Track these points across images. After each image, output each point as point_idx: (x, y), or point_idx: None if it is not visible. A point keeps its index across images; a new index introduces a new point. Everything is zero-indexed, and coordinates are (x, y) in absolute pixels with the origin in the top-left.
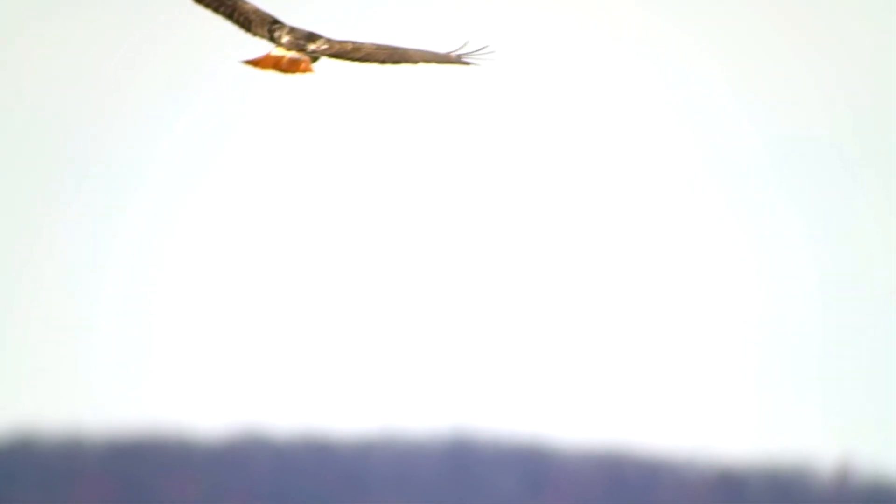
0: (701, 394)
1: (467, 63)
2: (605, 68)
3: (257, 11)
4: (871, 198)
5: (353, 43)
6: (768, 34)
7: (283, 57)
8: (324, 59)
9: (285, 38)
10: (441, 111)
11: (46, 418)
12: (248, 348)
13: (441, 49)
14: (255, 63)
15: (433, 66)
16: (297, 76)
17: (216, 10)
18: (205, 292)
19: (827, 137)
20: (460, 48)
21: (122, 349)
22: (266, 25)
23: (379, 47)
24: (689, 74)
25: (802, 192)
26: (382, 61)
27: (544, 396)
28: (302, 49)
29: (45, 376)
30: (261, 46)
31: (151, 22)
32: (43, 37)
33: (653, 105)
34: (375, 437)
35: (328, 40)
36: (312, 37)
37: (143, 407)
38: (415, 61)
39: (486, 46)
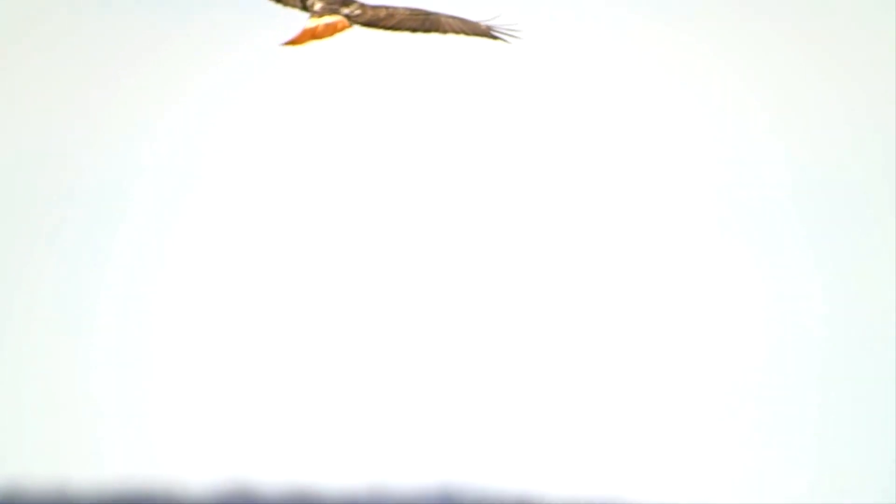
0: (694, 453)
1: (496, 37)
2: (632, 71)
3: None
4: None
5: (386, 8)
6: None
7: (318, 25)
8: (356, 28)
9: (318, 5)
10: (454, 102)
11: (33, 474)
12: (237, 404)
13: (472, 18)
14: (294, 41)
15: (461, 37)
16: (336, 37)
17: None
18: (193, 348)
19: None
20: (492, 19)
21: (110, 404)
22: None
23: (412, 13)
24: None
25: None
26: (413, 29)
27: (534, 453)
28: (335, 13)
29: (32, 432)
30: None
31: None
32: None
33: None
34: (364, 494)
35: (361, 4)
36: (346, 0)
37: (131, 463)
38: (445, 31)
39: (516, 24)
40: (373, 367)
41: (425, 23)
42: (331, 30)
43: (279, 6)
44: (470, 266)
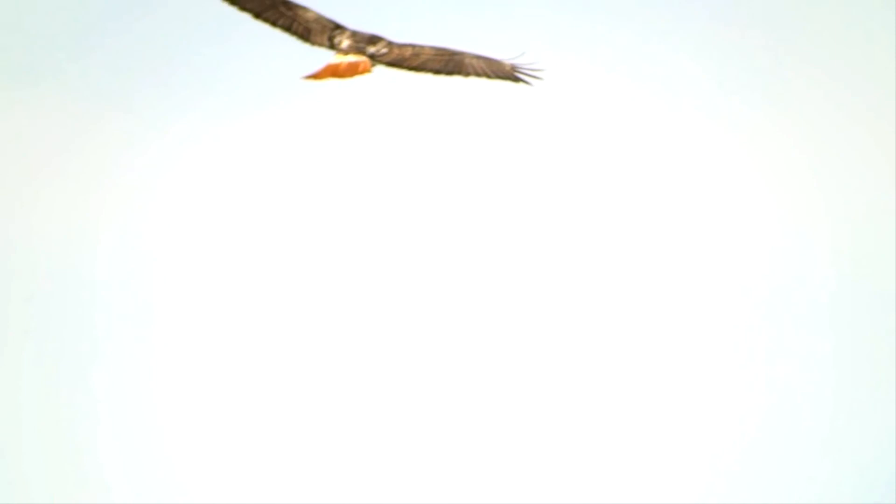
0: (697, 483)
1: (519, 79)
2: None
3: (319, 19)
4: None
5: (412, 47)
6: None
7: (341, 63)
8: (379, 69)
9: (345, 43)
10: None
11: None
12: (236, 468)
13: (496, 57)
14: (316, 76)
15: (484, 79)
16: (356, 78)
17: (275, 23)
18: (187, 422)
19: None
20: (516, 58)
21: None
22: (327, 32)
23: (437, 52)
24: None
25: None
26: (437, 71)
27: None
28: (361, 52)
29: None
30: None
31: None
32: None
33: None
34: None
35: (389, 43)
36: (374, 39)
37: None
38: (467, 73)
39: (539, 63)
40: (372, 426)
41: (448, 64)
42: (353, 70)
43: (306, 45)
44: (483, 308)
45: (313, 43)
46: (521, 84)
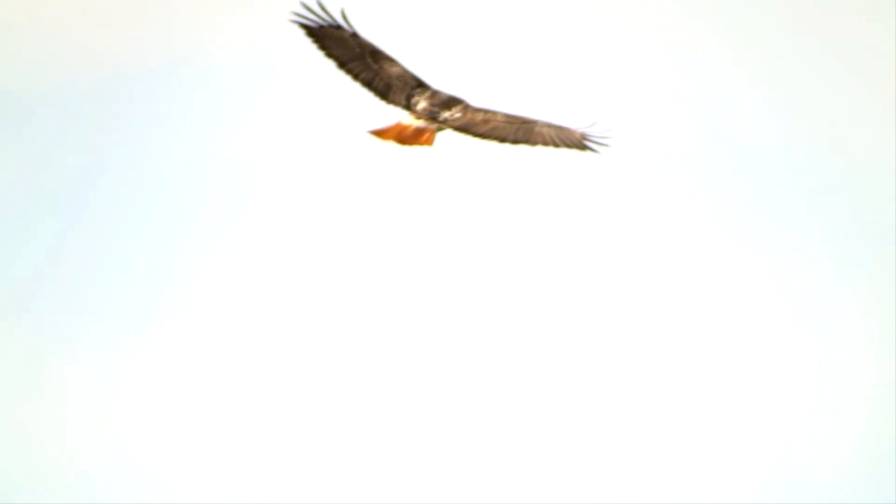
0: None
1: (587, 147)
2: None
3: (403, 75)
4: None
5: (484, 112)
6: None
7: (408, 126)
8: (448, 132)
9: (422, 105)
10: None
11: None
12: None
13: (567, 125)
14: (379, 133)
15: (550, 148)
16: (416, 148)
17: (357, 76)
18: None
19: None
20: (589, 126)
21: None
22: (407, 90)
23: (508, 119)
24: None
25: None
26: (503, 139)
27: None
28: (434, 117)
29: None
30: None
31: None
32: None
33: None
34: None
35: (466, 107)
36: (451, 102)
37: None
38: (535, 142)
39: (611, 130)
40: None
41: (518, 131)
42: (416, 137)
43: (382, 103)
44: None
45: (389, 101)
46: (588, 152)
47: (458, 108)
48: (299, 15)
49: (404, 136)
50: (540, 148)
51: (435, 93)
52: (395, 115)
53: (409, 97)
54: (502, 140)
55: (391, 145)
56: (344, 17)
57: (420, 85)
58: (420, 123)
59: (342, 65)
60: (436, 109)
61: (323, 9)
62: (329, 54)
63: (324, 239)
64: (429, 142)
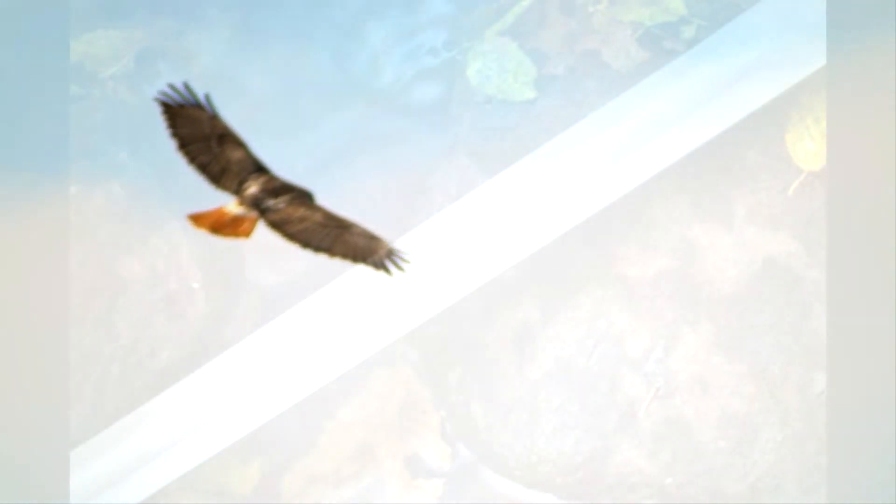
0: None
1: (381, 266)
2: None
3: (242, 160)
4: None
5: (307, 208)
6: None
7: (227, 214)
8: (259, 229)
9: (252, 189)
10: None
11: None
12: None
13: (379, 235)
14: (195, 219)
15: (347, 261)
16: (229, 239)
17: (193, 159)
18: None
19: None
20: (391, 243)
21: None
22: (241, 175)
23: (327, 219)
24: None
25: None
26: (305, 243)
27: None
28: (258, 205)
29: None
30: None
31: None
32: None
33: None
34: None
35: (292, 199)
36: (282, 190)
37: None
38: (333, 254)
39: (407, 253)
40: None
41: (327, 238)
42: (234, 227)
43: (212, 186)
44: None
45: (220, 186)
46: (382, 272)
47: (285, 198)
48: (164, 94)
49: (220, 224)
50: (338, 260)
51: (271, 179)
52: (221, 201)
53: (241, 181)
54: (305, 244)
55: (205, 233)
56: (208, 99)
57: (259, 170)
58: (241, 211)
59: (183, 146)
60: (262, 196)
61: (189, 90)
62: (175, 133)
63: None
64: (246, 233)
